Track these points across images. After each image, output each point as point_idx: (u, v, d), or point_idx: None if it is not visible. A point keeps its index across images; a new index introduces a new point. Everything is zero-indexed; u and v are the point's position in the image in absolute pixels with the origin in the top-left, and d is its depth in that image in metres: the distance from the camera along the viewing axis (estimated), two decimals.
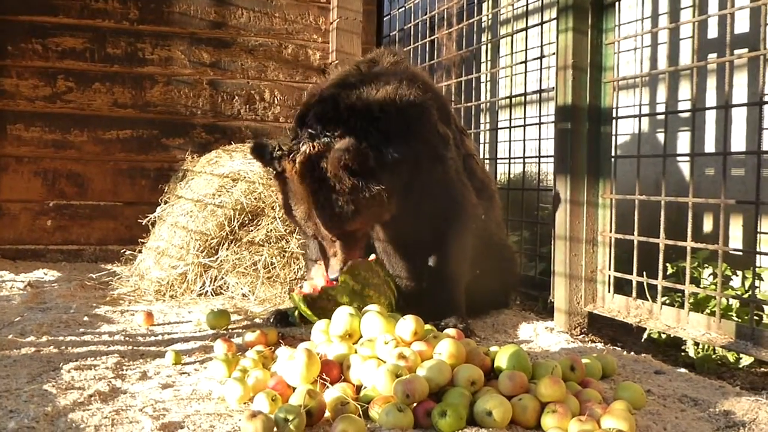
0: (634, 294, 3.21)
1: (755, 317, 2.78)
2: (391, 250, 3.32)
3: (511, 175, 5.17)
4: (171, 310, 3.61)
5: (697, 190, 3.06)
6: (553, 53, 3.64)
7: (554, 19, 3.70)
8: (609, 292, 3.34)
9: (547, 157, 4.32)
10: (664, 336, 3.22)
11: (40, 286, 4.08)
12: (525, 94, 4.63)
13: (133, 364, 2.62)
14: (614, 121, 3.39)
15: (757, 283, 3.23)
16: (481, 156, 5.13)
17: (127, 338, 3.00)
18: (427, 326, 2.47)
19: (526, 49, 4.55)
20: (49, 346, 2.78)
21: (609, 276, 3.34)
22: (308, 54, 5.71)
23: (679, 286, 3.04)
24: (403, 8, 6.01)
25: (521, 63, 4.66)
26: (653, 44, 4.30)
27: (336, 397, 2.07)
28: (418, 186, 3.11)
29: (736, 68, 3.65)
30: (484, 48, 5.88)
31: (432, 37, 5.59)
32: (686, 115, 3.97)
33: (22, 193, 5.13)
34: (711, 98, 3.88)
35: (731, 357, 3.01)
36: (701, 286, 3.37)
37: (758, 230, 3.37)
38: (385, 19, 6.24)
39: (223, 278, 3.97)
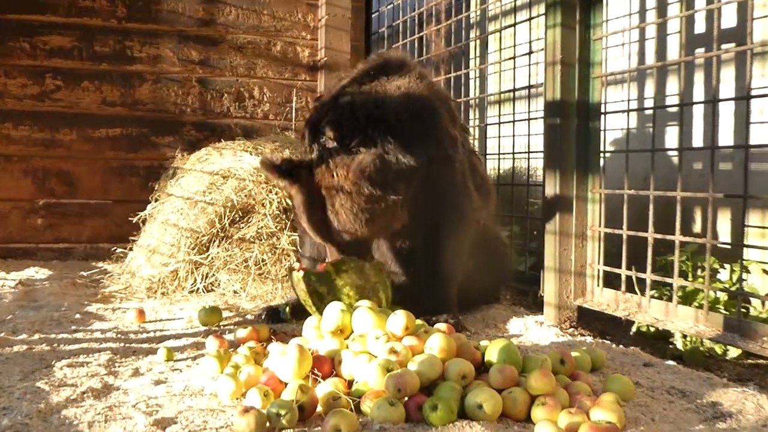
0: (623, 288, 3.23)
1: (742, 310, 2.80)
2: (388, 247, 3.34)
3: (501, 171, 5.18)
4: (162, 308, 3.61)
5: (686, 184, 3.07)
6: (542, 49, 3.65)
7: (542, 14, 3.71)
8: (598, 286, 3.36)
9: (537, 152, 4.34)
10: (652, 329, 3.24)
11: (32, 285, 4.08)
12: (514, 90, 4.65)
13: (125, 361, 2.63)
14: (603, 116, 3.41)
15: (744, 276, 3.25)
16: None
17: (119, 335, 3.00)
18: (419, 321, 2.49)
19: (514, 45, 4.56)
20: (42, 344, 2.78)
21: (598, 270, 3.36)
22: (297, 51, 5.71)
23: (667, 280, 3.06)
24: (392, 5, 6.00)
25: (510, 59, 4.67)
26: (641, 39, 4.31)
27: (328, 392, 2.08)
28: (425, 188, 3.12)
29: (723, 63, 3.67)
30: (472, 44, 5.88)
31: (420, 34, 5.60)
32: (674, 109, 3.99)
33: (12, 192, 5.12)
34: (699, 93, 3.90)
35: (719, 349, 3.04)
36: (689, 279, 3.40)
37: (745, 224, 3.40)
38: (373, 15, 6.23)
39: (214, 275, 3.97)
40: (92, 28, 5.24)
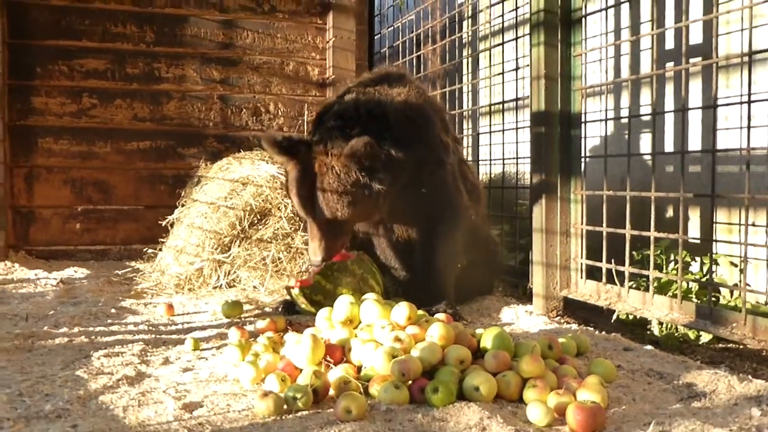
0: (604, 280, 3.22)
1: (713, 299, 2.78)
2: (389, 244, 3.32)
3: (492, 176, 5.17)
4: (189, 302, 3.60)
5: (659, 185, 3.06)
6: (528, 65, 3.64)
7: (527, 34, 3.70)
8: (581, 278, 3.34)
9: (524, 158, 4.32)
10: (631, 317, 3.22)
11: (71, 283, 4.07)
12: (503, 102, 4.64)
13: (156, 350, 2.62)
14: (583, 125, 3.39)
15: (713, 268, 3.23)
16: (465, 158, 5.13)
17: (150, 328, 2.99)
18: (420, 312, 2.48)
19: (503, 62, 4.55)
20: (80, 336, 2.77)
21: (581, 264, 3.34)
22: (308, 70, 5.69)
23: (644, 272, 3.04)
24: (392, 27, 6.00)
25: (499, 74, 4.66)
26: (617, 55, 4.30)
27: (339, 376, 2.06)
28: (419, 187, 3.10)
29: (691, 76, 3.65)
30: (465, 62, 5.87)
31: (418, 53, 5.59)
32: (647, 118, 3.97)
33: (53, 200, 5.11)
34: (669, 103, 3.89)
35: (692, 335, 3.02)
36: (664, 271, 3.38)
37: (714, 221, 3.39)
38: (375, 37, 6.23)
39: (235, 272, 3.96)
40: (124, 52, 5.23)
